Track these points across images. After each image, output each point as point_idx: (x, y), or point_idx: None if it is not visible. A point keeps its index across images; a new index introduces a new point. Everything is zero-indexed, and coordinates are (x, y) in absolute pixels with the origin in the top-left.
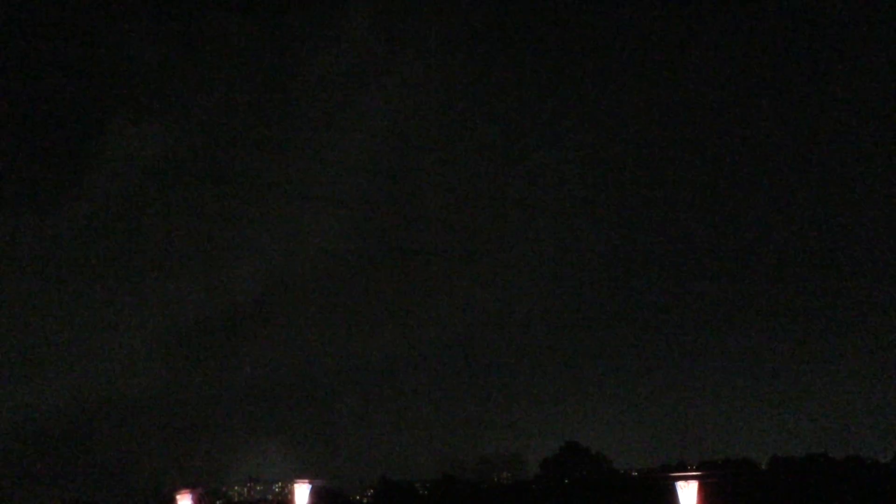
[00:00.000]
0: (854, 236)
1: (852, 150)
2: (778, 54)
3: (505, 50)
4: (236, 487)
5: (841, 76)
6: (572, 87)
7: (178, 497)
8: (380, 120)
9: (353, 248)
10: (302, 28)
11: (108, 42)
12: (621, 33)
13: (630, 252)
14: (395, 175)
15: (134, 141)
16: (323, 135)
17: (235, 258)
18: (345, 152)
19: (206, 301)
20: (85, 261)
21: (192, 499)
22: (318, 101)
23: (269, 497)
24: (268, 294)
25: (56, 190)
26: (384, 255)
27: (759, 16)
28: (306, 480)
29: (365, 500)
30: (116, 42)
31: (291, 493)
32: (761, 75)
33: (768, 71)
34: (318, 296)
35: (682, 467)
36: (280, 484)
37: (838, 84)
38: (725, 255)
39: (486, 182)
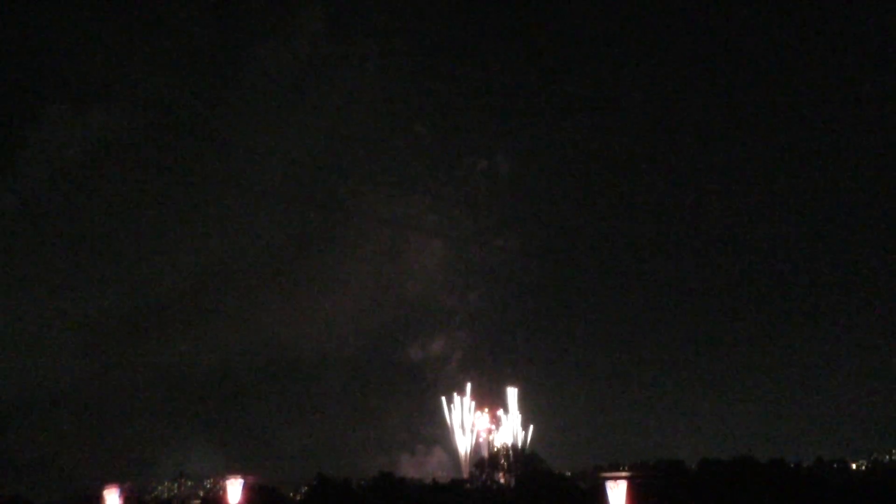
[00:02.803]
0: (780, 249)
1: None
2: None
3: (446, 55)
4: (166, 483)
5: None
6: (507, 96)
7: (105, 493)
8: (321, 116)
9: (284, 242)
10: (253, 21)
11: (48, 27)
12: (558, 43)
13: (563, 253)
14: (329, 170)
15: (71, 127)
16: (264, 128)
17: (162, 250)
18: (284, 146)
19: (132, 293)
20: (11, 248)
21: (120, 495)
22: (262, 95)
23: (201, 493)
24: (195, 286)
25: None
26: (313, 249)
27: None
28: (238, 476)
29: (299, 497)
30: (56, 27)
31: (223, 489)
32: (685, 76)
33: (692, 73)
34: (245, 289)
35: (615, 468)
36: (211, 480)
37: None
38: (655, 261)
39: (416, 180)
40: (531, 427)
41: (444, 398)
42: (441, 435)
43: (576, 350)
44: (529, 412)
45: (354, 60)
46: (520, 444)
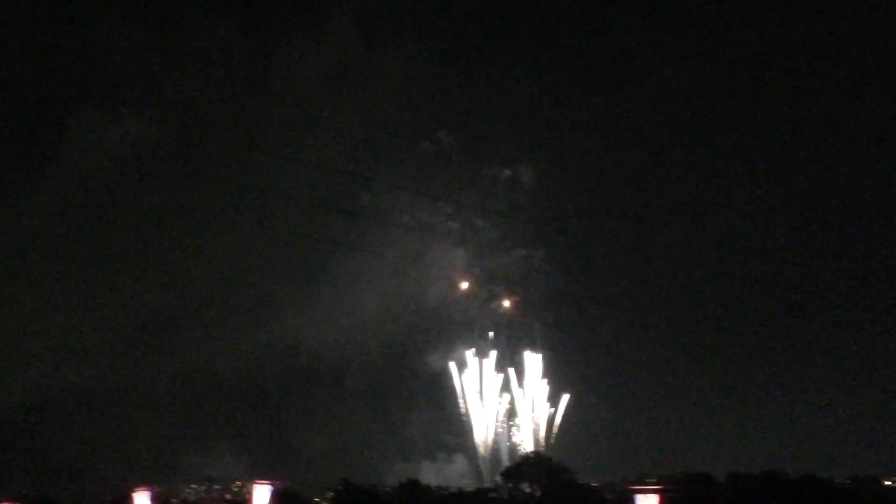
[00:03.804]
0: (815, 253)
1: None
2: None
3: (470, 63)
4: (193, 486)
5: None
6: (530, 105)
7: (134, 496)
8: (347, 122)
9: (307, 248)
10: (283, 26)
11: (77, 31)
12: (584, 52)
13: (587, 263)
14: (352, 175)
15: (100, 133)
16: (291, 133)
17: (188, 255)
18: (310, 151)
19: (157, 298)
20: (41, 253)
21: (150, 498)
22: (291, 101)
23: (228, 497)
24: (219, 291)
25: (15, 181)
26: (335, 255)
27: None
28: (267, 482)
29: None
30: (85, 31)
31: (250, 493)
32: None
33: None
34: (268, 295)
35: (642, 480)
36: (239, 484)
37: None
38: (682, 271)
39: (439, 188)
40: (564, 397)
41: (452, 363)
42: (462, 443)
43: (599, 361)
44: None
45: (382, 66)
46: (542, 435)
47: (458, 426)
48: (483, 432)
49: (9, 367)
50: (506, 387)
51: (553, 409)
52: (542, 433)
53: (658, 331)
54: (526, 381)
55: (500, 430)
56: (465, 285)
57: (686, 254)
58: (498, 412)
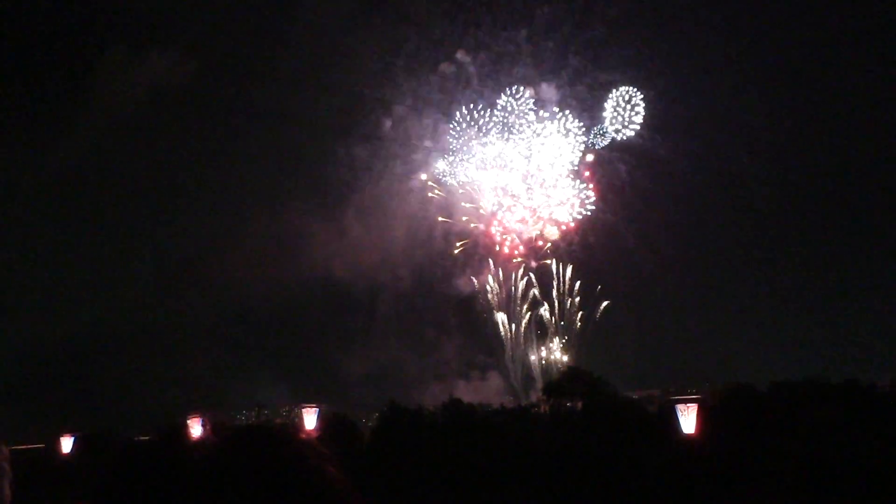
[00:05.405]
0: (853, 170)
1: None
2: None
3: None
4: (244, 412)
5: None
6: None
7: (189, 422)
8: (372, 48)
9: (334, 177)
10: None
11: None
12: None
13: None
14: (376, 102)
15: (130, 72)
16: (319, 64)
17: (221, 190)
18: (336, 81)
19: (197, 232)
20: (81, 196)
21: (203, 424)
22: (315, 28)
23: (277, 420)
24: (253, 224)
25: (51, 125)
26: (363, 183)
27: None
28: (314, 405)
29: (370, 424)
30: None
31: (300, 417)
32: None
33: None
34: (299, 226)
35: (683, 393)
36: (287, 409)
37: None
38: (721, 192)
39: (461, 111)
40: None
41: (473, 279)
42: (494, 362)
43: (636, 274)
44: (593, 336)
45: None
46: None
47: (490, 346)
48: (513, 347)
49: (58, 307)
50: (535, 303)
51: (585, 321)
52: (575, 345)
53: (692, 245)
54: (555, 291)
55: (532, 345)
56: (488, 206)
57: (720, 158)
58: (528, 327)
